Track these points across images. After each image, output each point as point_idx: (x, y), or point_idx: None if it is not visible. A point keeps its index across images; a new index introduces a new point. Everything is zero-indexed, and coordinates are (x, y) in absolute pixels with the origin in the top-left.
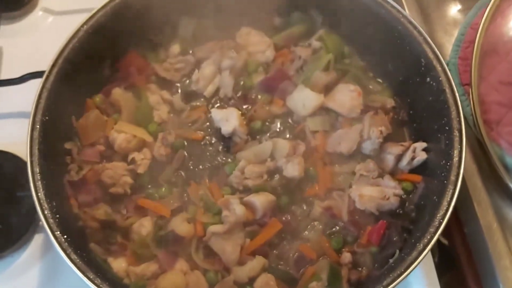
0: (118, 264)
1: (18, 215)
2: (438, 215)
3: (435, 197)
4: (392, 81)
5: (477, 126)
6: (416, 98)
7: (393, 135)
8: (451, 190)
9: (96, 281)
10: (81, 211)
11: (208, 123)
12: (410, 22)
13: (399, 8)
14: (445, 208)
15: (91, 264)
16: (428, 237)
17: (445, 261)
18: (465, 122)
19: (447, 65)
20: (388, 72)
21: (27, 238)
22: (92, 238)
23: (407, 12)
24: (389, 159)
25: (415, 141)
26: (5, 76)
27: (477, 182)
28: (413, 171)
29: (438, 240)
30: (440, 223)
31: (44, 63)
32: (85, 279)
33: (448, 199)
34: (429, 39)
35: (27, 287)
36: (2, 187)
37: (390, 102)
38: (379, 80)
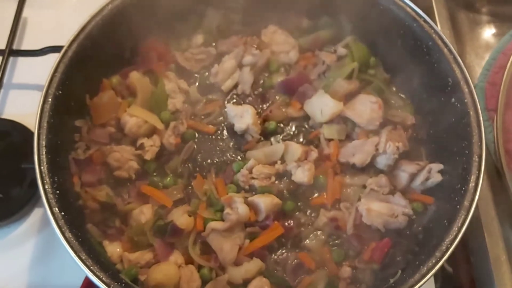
0: (113, 248)
1: (20, 187)
2: (447, 240)
3: (445, 221)
4: (415, 98)
5: (497, 154)
6: (438, 118)
7: (409, 152)
8: (463, 216)
9: (87, 262)
10: (82, 191)
11: (221, 118)
12: (441, 39)
13: (432, 23)
14: (454, 233)
15: (85, 244)
16: (434, 261)
17: None
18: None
19: (474, 88)
20: (412, 87)
21: (26, 210)
22: (90, 219)
23: (437, 28)
24: (403, 177)
25: (432, 161)
26: (26, 47)
27: (491, 212)
28: (426, 192)
29: (442, 266)
30: (448, 248)
31: (66, 38)
32: (76, 259)
33: (459, 225)
34: (459, 59)
35: (21, 259)
36: (8, 157)
37: (410, 119)
38: (402, 95)
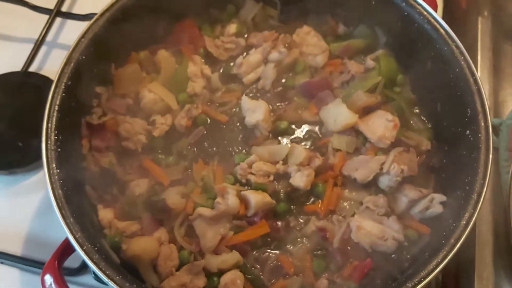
0: (105, 214)
1: (40, 140)
2: (422, 273)
3: (427, 254)
4: (436, 124)
5: (510, 198)
6: (453, 149)
7: (417, 178)
8: (444, 253)
9: (67, 220)
10: (89, 154)
11: (237, 109)
12: (469, 68)
13: (463, 50)
14: (431, 268)
15: (72, 203)
16: None
17: None
18: (497, 190)
19: (500, 125)
20: (435, 113)
21: (41, 164)
22: (89, 181)
23: (467, 56)
24: (403, 201)
25: (436, 191)
26: (76, 11)
27: (487, 256)
28: (424, 221)
29: None
30: (420, 282)
31: None
32: (59, 214)
33: (438, 260)
34: (482, 91)
35: (27, 207)
36: (36, 111)
37: (426, 144)
38: (424, 118)
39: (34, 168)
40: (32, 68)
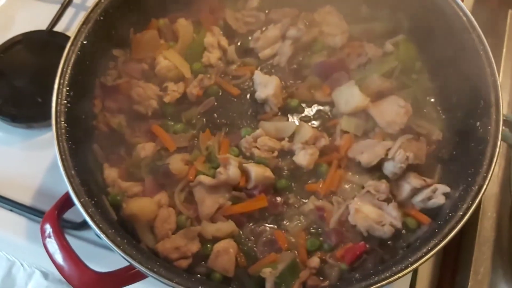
0: (110, 172)
1: None
2: (410, 259)
3: (418, 241)
4: (450, 114)
5: None
6: (464, 141)
7: (424, 168)
8: (436, 241)
9: (69, 172)
10: (101, 113)
11: (249, 83)
12: (488, 58)
13: (483, 39)
14: (420, 255)
15: (76, 158)
16: (387, 274)
17: None
18: (505, 187)
19: None
20: (451, 103)
21: None
22: (98, 140)
23: (487, 46)
24: (405, 189)
25: (441, 182)
26: None
27: (486, 252)
28: (426, 211)
29: None
30: (407, 267)
31: None
32: (61, 165)
33: (429, 248)
34: (498, 83)
35: (42, 161)
36: (57, 68)
37: (437, 134)
38: (439, 108)
39: (50, 124)
40: (58, 28)
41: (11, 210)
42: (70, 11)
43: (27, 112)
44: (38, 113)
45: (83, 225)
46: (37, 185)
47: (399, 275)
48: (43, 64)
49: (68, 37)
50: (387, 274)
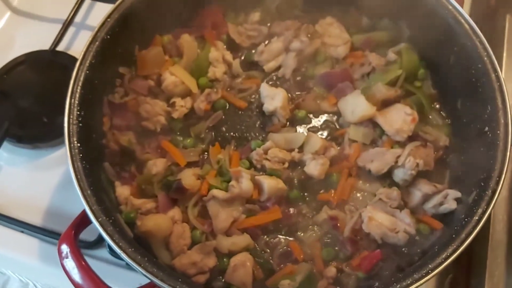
0: (122, 190)
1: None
2: (430, 265)
3: (436, 247)
4: (455, 120)
5: None
6: (471, 146)
7: (433, 174)
8: (454, 246)
9: (85, 192)
10: (110, 132)
11: (256, 96)
12: (492, 63)
13: (487, 45)
14: (439, 261)
15: (91, 177)
16: (408, 281)
17: None
18: None
19: None
20: (455, 109)
21: (64, 140)
22: (108, 158)
23: (490, 52)
24: (416, 195)
25: (452, 187)
26: None
27: (499, 255)
28: (437, 216)
29: None
30: (427, 274)
31: None
32: (77, 186)
33: (448, 254)
34: (504, 88)
35: (49, 181)
36: (62, 89)
37: (444, 140)
38: (443, 114)
39: (57, 144)
40: (60, 48)
41: (22, 232)
42: (70, 30)
43: (33, 133)
44: (44, 133)
45: (96, 244)
46: (46, 205)
47: (421, 282)
48: (47, 84)
49: (71, 56)
50: (409, 282)
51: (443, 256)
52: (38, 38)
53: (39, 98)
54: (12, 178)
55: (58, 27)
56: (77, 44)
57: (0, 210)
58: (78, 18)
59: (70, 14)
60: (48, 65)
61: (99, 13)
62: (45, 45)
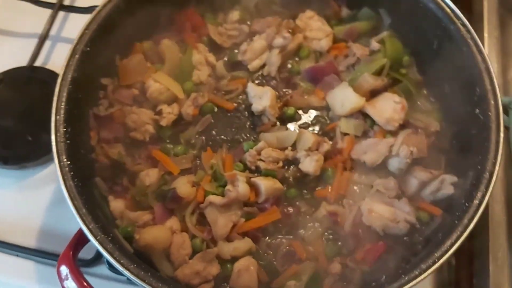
0: (116, 204)
1: (49, 134)
2: (436, 254)
3: (440, 234)
4: (444, 104)
5: None
6: (463, 129)
7: (428, 160)
8: (458, 232)
9: (80, 211)
10: (98, 145)
11: (243, 96)
12: (477, 46)
13: (470, 28)
14: (445, 249)
15: (84, 194)
16: (416, 272)
17: None
18: (509, 169)
19: (510, 103)
20: (443, 93)
21: (51, 157)
22: (99, 173)
23: (474, 34)
24: (413, 183)
25: (448, 172)
26: (78, 4)
27: (501, 236)
28: (435, 203)
29: None
30: (434, 263)
31: None
32: (71, 205)
33: (452, 241)
34: (491, 69)
35: (39, 200)
36: (44, 105)
37: (435, 126)
38: (432, 99)
39: (44, 162)
40: (37, 63)
41: (17, 256)
42: (47, 44)
43: (19, 153)
44: (30, 152)
45: (95, 261)
46: (39, 225)
47: (429, 271)
48: (28, 101)
49: (50, 71)
50: (417, 272)
51: (448, 243)
52: (14, 55)
53: (21, 117)
54: (2, 201)
55: (34, 42)
56: (55, 58)
57: None
58: (53, 31)
59: (45, 28)
60: (27, 81)
61: (74, 24)
62: (22, 61)
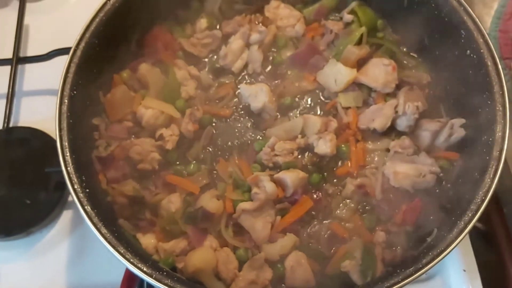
0: (147, 240)
1: (47, 191)
2: (481, 192)
3: (476, 173)
4: (427, 56)
5: None
6: (454, 73)
7: (429, 111)
8: (494, 166)
9: (126, 256)
10: (109, 187)
11: (236, 100)
12: None
13: None
14: (487, 185)
15: (121, 239)
16: (470, 214)
17: (481, 247)
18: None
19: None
20: (423, 46)
21: (55, 214)
22: (120, 214)
23: None
24: (425, 136)
25: (453, 117)
26: (32, 53)
27: None
28: (450, 148)
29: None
30: (483, 201)
31: (70, 40)
32: (116, 253)
33: (491, 176)
34: (469, 9)
35: (56, 263)
36: (31, 163)
37: (426, 78)
38: (414, 54)
39: (49, 222)
40: (12, 123)
41: None
42: (16, 101)
43: (21, 220)
44: (32, 216)
45: None
46: (65, 286)
47: (474, 220)
48: (13, 164)
49: (27, 128)
50: (467, 218)
51: (488, 180)
52: None
53: (12, 182)
54: (15, 277)
55: (2, 103)
56: (28, 113)
57: None
58: (18, 87)
59: (9, 85)
60: (7, 144)
61: (37, 74)
62: None
